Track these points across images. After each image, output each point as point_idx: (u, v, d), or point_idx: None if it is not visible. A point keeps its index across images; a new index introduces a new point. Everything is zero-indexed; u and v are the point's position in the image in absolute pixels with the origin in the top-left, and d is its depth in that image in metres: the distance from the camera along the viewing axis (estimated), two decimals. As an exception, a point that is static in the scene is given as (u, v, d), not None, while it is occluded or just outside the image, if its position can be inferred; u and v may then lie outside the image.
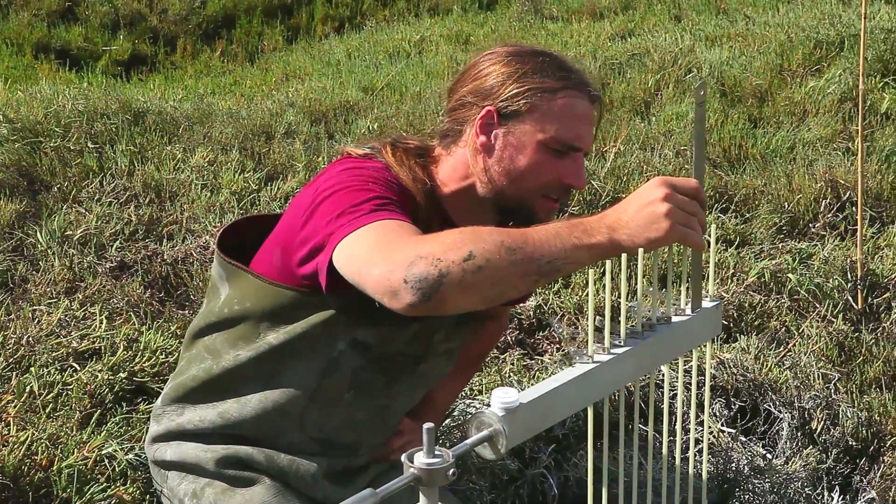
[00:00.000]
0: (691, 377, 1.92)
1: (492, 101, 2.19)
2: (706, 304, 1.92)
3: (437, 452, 1.43)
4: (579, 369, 1.66)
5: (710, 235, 1.87)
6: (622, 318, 1.71)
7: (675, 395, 3.07)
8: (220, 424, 2.32)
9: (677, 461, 2.29)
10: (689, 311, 1.88)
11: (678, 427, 1.87)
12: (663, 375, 3.36)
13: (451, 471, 1.44)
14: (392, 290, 1.77)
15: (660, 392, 3.51)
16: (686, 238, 1.78)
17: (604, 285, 3.10)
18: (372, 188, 2.06)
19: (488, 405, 1.51)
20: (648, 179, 4.69)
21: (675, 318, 1.84)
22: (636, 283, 1.70)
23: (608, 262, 1.87)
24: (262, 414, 2.29)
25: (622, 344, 1.73)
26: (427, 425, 1.43)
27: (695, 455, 1.96)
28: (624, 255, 1.68)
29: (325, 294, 2.07)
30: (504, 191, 2.20)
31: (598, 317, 1.67)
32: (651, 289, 1.79)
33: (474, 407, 3.43)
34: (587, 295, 4.24)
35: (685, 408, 2.12)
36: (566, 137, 2.17)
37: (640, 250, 1.72)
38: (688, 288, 1.87)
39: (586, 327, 4.07)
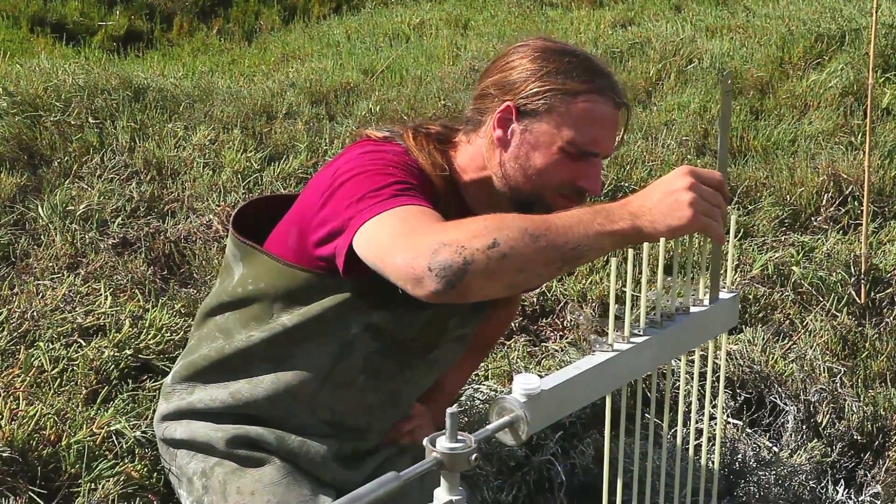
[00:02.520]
0: (698, 368, 1.92)
1: (512, 96, 2.19)
2: (724, 295, 1.92)
3: (459, 437, 1.43)
4: (599, 357, 1.66)
5: (730, 226, 1.86)
6: (642, 308, 1.71)
7: (681, 385, 3.07)
8: (230, 404, 2.32)
9: (690, 452, 2.29)
10: (707, 302, 1.88)
11: (691, 417, 1.87)
12: (672, 366, 3.36)
13: (474, 455, 1.44)
14: (416, 278, 1.77)
15: (668, 382, 3.51)
16: (707, 228, 1.78)
17: (622, 273, 3.10)
18: (392, 172, 2.05)
19: (509, 392, 1.51)
20: (651, 169, 4.67)
21: (693, 309, 1.84)
22: (655, 273, 1.70)
23: (628, 251, 1.87)
24: (274, 395, 2.29)
25: (641, 333, 1.73)
26: (450, 410, 1.43)
27: (701, 446, 1.96)
28: (645, 245, 1.67)
29: (341, 277, 2.08)
30: (519, 186, 2.20)
31: (617, 306, 1.66)
32: (670, 279, 1.79)
33: (481, 392, 3.44)
34: (590, 283, 4.28)
35: (693, 398, 2.12)
36: (582, 142, 2.15)
37: (662, 240, 1.72)
38: (706, 278, 1.87)
39: (591, 316, 4.08)
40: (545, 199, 2.18)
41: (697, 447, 2.25)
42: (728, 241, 1.85)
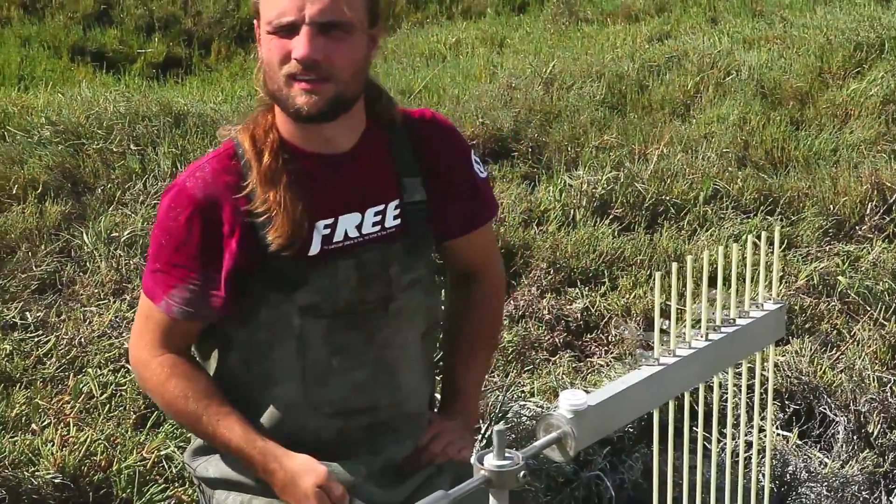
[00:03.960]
0: (745, 380, 1.91)
1: (255, 13, 2.21)
2: (770, 305, 1.90)
3: (507, 454, 1.43)
4: (646, 371, 1.65)
5: (775, 240, 1.85)
6: (688, 321, 1.71)
7: (729, 397, 3.06)
8: None
9: (740, 465, 2.26)
10: (753, 314, 1.87)
11: (740, 430, 1.86)
12: (720, 379, 3.34)
13: (522, 473, 1.43)
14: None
15: (713, 396, 3.48)
16: None
17: (665, 287, 3.09)
18: (154, 246, 2.28)
19: (556, 408, 1.51)
20: (692, 182, 4.62)
21: (740, 321, 1.83)
22: (703, 285, 1.69)
23: (673, 263, 1.86)
24: (274, 412, 2.30)
25: (688, 347, 1.72)
26: (497, 427, 1.43)
27: (751, 459, 1.95)
28: (688, 259, 1.66)
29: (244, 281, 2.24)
30: (274, 94, 2.18)
31: (662, 319, 1.66)
32: (715, 291, 1.78)
33: (528, 409, 3.43)
34: (634, 297, 4.27)
35: (742, 410, 2.11)
36: (272, 18, 2.13)
37: (706, 252, 1.71)
38: (753, 290, 1.86)
39: (636, 330, 4.06)
40: (286, 91, 2.15)
41: (748, 460, 2.24)
42: (773, 253, 1.84)
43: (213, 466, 2.38)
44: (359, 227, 2.27)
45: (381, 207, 2.29)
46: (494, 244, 2.70)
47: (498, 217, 4.99)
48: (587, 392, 1.55)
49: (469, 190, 2.44)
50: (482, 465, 1.43)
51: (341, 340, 2.27)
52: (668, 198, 5.37)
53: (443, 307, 2.59)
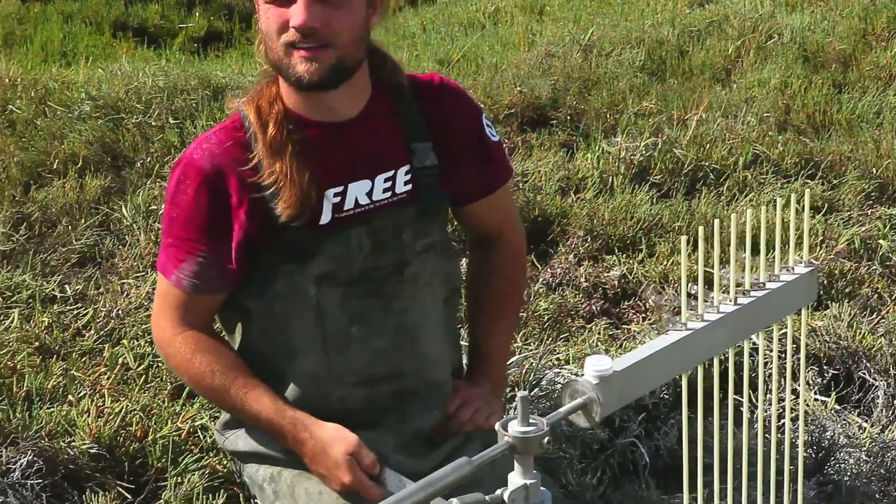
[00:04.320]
0: (785, 345, 1.89)
1: None
2: (801, 269, 1.88)
3: (531, 420, 1.42)
4: (673, 336, 1.64)
5: (806, 203, 1.82)
6: (715, 285, 1.69)
7: (767, 363, 3.04)
8: None
9: (773, 429, 2.25)
10: (784, 277, 1.85)
11: (768, 394, 1.84)
12: (755, 343, 3.33)
13: (546, 439, 1.43)
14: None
15: (752, 360, 3.46)
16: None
17: (690, 253, 3.07)
18: (166, 222, 2.28)
19: (581, 374, 1.50)
20: (731, 147, 4.57)
21: (769, 285, 1.81)
22: (731, 248, 1.67)
23: (700, 226, 1.84)
24: (298, 384, 2.30)
25: (716, 311, 1.70)
26: (521, 394, 1.43)
27: (788, 424, 1.93)
28: (715, 223, 1.65)
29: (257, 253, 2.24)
30: (275, 64, 2.16)
31: (690, 283, 1.65)
32: (744, 255, 1.77)
33: (562, 376, 3.42)
34: (672, 263, 4.24)
35: (774, 374, 2.09)
36: None
37: (733, 217, 1.69)
38: (784, 254, 1.84)
39: (676, 295, 4.04)
40: (283, 59, 2.13)
41: (783, 425, 2.22)
42: (803, 216, 1.82)
43: (242, 440, 2.39)
44: (369, 194, 2.26)
45: (390, 173, 2.28)
46: (512, 207, 2.67)
47: (535, 185, 4.98)
48: (613, 358, 1.54)
49: (481, 154, 2.41)
50: (506, 431, 1.43)
51: (359, 308, 2.27)
52: (707, 163, 5.32)
53: (463, 273, 2.58)
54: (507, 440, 1.43)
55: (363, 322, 2.28)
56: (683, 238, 1.68)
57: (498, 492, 1.45)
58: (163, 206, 4.52)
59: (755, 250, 1.73)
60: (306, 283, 2.23)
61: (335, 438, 2.19)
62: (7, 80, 6.33)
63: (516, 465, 1.45)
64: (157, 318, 2.33)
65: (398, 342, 2.33)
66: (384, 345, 2.31)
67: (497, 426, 1.43)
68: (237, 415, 2.30)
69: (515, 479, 1.45)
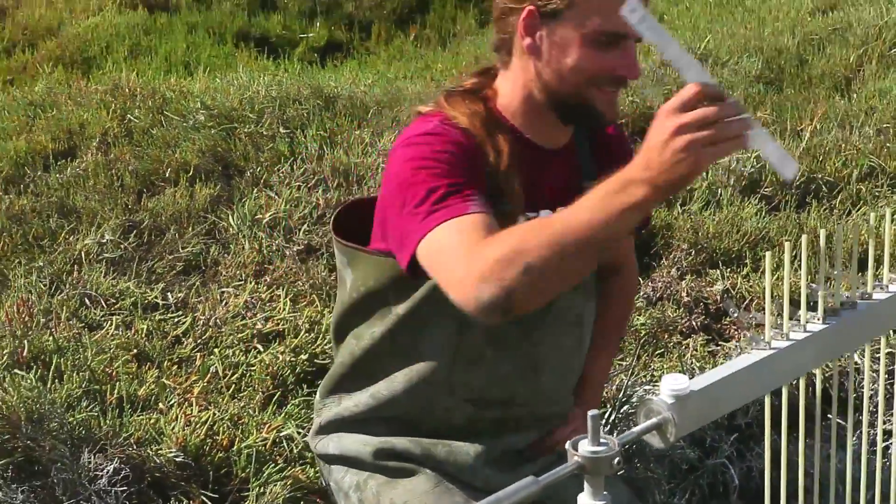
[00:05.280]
0: (884, 365, 1.82)
1: (530, 1, 2.12)
2: (895, 287, 1.81)
3: (602, 440, 1.40)
4: (755, 356, 1.62)
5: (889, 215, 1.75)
6: (802, 302, 1.64)
7: (866, 383, 2.95)
8: (373, 406, 2.34)
9: (878, 454, 2.17)
10: (876, 295, 1.78)
11: (864, 417, 1.78)
12: (856, 362, 3.23)
13: (617, 459, 1.41)
14: (475, 314, 1.87)
15: (848, 381, 3.35)
16: (718, 155, 1.68)
17: (791, 267, 2.97)
18: (423, 177, 2.04)
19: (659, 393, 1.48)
20: (846, 159, 4.46)
21: (860, 303, 1.75)
22: (819, 265, 1.62)
23: (786, 241, 1.78)
24: (410, 387, 2.29)
25: (802, 330, 1.65)
26: (592, 412, 1.41)
27: (886, 448, 1.86)
28: (803, 238, 1.60)
29: None
30: (558, 90, 2.15)
31: (778, 300, 1.60)
32: (836, 272, 1.71)
33: (654, 393, 3.35)
34: (777, 279, 4.14)
35: (880, 397, 2.02)
36: (611, 28, 2.07)
37: (822, 232, 1.64)
38: (876, 272, 1.77)
39: (773, 311, 3.94)
40: (587, 96, 2.14)
41: (886, 449, 2.14)
42: (881, 227, 1.75)
43: (334, 444, 2.40)
44: None
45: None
46: (632, 241, 2.73)
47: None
48: (691, 377, 1.51)
49: None
50: (576, 450, 1.41)
51: (500, 333, 2.26)
52: (820, 176, 5.19)
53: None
54: (577, 460, 1.41)
55: (498, 346, 2.28)
56: (768, 254, 1.63)
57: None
58: (268, 215, 4.63)
59: (860, 266, 1.68)
60: None
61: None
62: (127, 90, 6.48)
63: (586, 485, 1.43)
64: (464, 258, 1.92)
65: (522, 372, 2.33)
66: (508, 371, 2.32)
67: (567, 445, 1.42)
68: (569, 238, 1.82)
69: (585, 500, 1.43)
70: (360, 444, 2.35)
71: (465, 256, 1.91)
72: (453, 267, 1.93)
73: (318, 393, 2.49)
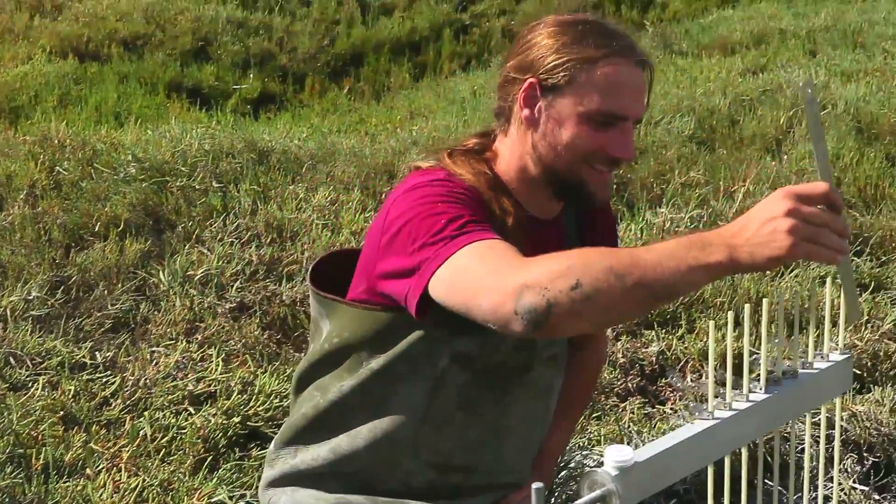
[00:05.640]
0: (820, 430, 1.82)
1: (533, 73, 2.14)
2: (836, 356, 1.81)
3: (546, 513, 1.37)
4: (699, 426, 1.59)
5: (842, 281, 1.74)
6: (745, 373, 1.63)
7: (804, 448, 2.95)
8: (332, 461, 2.28)
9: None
10: (817, 364, 1.78)
11: (805, 483, 1.77)
12: (790, 428, 3.23)
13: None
14: (504, 320, 1.77)
15: (787, 445, 3.36)
16: (811, 255, 1.64)
17: (725, 334, 2.98)
18: (443, 209, 2.02)
19: (602, 463, 1.45)
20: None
21: (802, 372, 1.74)
22: (763, 332, 1.61)
23: (728, 311, 1.78)
24: (374, 444, 2.24)
25: (745, 399, 1.64)
26: (536, 485, 1.38)
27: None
28: (746, 307, 1.59)
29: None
30: (552, 165, 2.16)
31: (719, 369, 1.58)
32: (777, 339, 1.70)
33: (592, 459, 3.34)
34: (717, 343, 4.14)
35: (814, 462, 2.01)
36: (609, 109, 2.10)
37: (765, 302, 1.63)
38: (816, 339, 1.77)
39: (688, 381, 3.95)
40: (579, 175, 2.15)
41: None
42: (839, 293, 1.75)
43: (287, 497, 2.34)
44: None
45: None
46: None
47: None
48: (644, 441, 1.48)
49: None
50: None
51: (473, 397, 2.25)
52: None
53: None
54: (524, 531, 1.38)
55: (470, 411, 2.26)
56: (711, 323, 1.61)
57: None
58: (199, 272, 4.56)
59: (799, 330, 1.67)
60: (443, 353, 2.18)
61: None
62: (56, 141, 6.39)
63: (533, 555, 1.39)
64: (492, 281, 1.84)
65: (486, 439, 2.30)
66: (475, 437, 2.29)
67: (513, 517, 1.39)
68: (643, 275, 1.73)
69: (531, 570, 1.39)
70: (314, 498, 2.29)
71: (506, 267, 1.84)
72: (490, 276, 1.85)
73: (272, 443, 2.42)
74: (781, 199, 1.64)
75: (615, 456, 1.45)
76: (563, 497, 2.90)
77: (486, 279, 1.85)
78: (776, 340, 1.71)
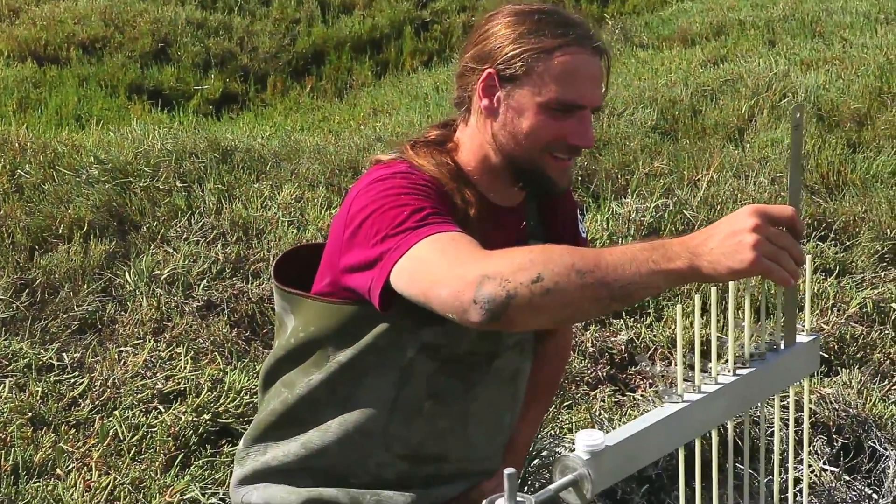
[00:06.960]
0: (790, 413, 1.83)
1: (491, 63, 2.15)
2: (803, 338, 1.83)
3: (518, 499, 1.38)
4: (668, 409, 1.60)
5: (806, 266, 1.76)
6: (713, 356, 1.64)
7: (774, 431, 2.97)
8: (303, 455, 2.28)
9: (775, 501, 2.18)
10: (784, 347, 1.79)
11: (775, 466, 1.79)
12: (760, 411, 3.25)
13: (532, 517, 1.38)
14: (462, 309, 1.79)
15: (758, 429, 3.38)
16: (770, 272, 1.66)
17: (693, 320, 3.00)
18: (404, 201, 2.04)
19: (573, 449, 1.45)
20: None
21: (769, 355, 1.75)
22: (730, 317, 1.62)
23: (696, 294, 1.79)
24: (344, 437, 2.24)
25: (714, 382, 1.65)
26: (508, 471, 1.38)
27: (795, 495, 1.86)
28: (714, 289, 1.60)
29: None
30: (512, 154, 2.17)
31: (688, 353, 1.59)
32: (744, 324, 1.71)
33: (563, 447, 3.35)
34: (681, 329, 4.16)
35: (784, 446, 2.02)
36: (567, 98, 2.12)
37: (731, 284, 1.64)
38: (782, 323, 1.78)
39: (657, 365, 3.98)
40: (539, 163, 2.16)
41: (796, 497, 2.15)
42: (805, 282, 1.76)
43: (259, 493, 2.33)
44: None
45: None
46: None
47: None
48: (615, 427, 1.49)
49: None
50: (494, 510, 1.38)
51: (441, 385, 2.25)
52: (718, 225, 5.25)
53: None
54: (493, 519, 1.38)
55: (439, 400, 2.26)
56: (679, 307, 1.62)
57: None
58: (166, 271, 4.55)
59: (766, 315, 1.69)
60: (409, 344, 2.19)
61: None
62: (17, 145, 6.33)
63: (504, 544, 1.39)
64: (452, 270, 1.85)
65: (456, 427, 2.31)
66: (444, 427, 2.29)
67: (484, 503, 1.38)
68: (607, 276, 1.74)
69: (502, 559, 1.39)
70: (286, 492, 2.29)
71: (467, 257, 1.86)
72: (451, 266, 1.86)
73: (242, 441, 2.42)
74: (749, 216, 1.67)
75: (586, 440, 1.46)
76: (536, 486, 2.90)
77: (446, 269, 1.86)
78: (743, 324, 1.72)
